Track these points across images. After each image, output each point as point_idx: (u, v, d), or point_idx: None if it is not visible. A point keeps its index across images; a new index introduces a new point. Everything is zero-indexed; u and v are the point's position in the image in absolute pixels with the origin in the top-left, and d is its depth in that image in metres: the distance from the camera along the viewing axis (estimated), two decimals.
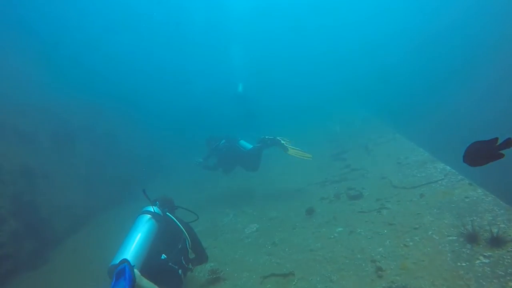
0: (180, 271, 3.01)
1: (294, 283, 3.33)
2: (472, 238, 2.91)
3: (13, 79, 7.54)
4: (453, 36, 12.17)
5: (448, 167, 4.80)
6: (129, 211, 7.52)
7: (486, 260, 2.68)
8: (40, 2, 12.04)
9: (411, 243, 3.32)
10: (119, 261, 2.49)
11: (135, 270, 2.45)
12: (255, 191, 6.91)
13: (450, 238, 3.13)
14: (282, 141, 6.05)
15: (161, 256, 2.90)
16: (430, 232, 3.36)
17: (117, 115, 10.90)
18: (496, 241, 2.77)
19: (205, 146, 7.12)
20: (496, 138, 1.78)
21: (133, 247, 2.68)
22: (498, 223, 3.09)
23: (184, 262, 3.13)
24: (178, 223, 3.19)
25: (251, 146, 6.53)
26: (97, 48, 14.59)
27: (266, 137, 6.40)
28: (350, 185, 5.50)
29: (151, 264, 2.78)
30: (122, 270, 2.32)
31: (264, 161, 6.67)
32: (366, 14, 20.32)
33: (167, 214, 3.25)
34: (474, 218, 3.29)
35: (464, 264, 2.71)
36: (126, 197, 8.60)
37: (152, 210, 3.14)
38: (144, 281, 2.47)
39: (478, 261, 2.69)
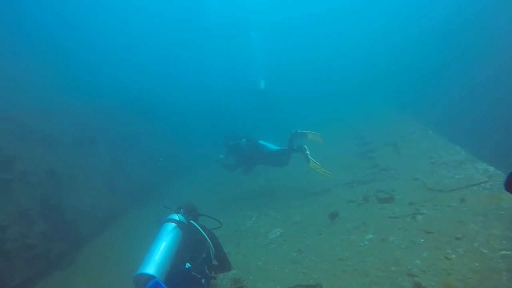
0: (203, 280, 2.93)
1: None
2: None
3: (35, 83, 7.73)
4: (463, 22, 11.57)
5: (491, 168, 4.36)
6: (150, 212, 7.64)
7: None
8: (57, 7, 12.38)
9: (453, 256, 2.98)
10: (145, 272, 2.51)
11: None
12: (278, 192, 6.70)
13: (504, 252, 2.77)
14: (307, 152, 5.93)
15: (185, 265, 2.86)
16: (476, 244, 3.01)
17: (135, 116, 11.00)
18: None
19: (222, 146, 7.02)
20: None
21: (157, 256, 2.68)
22: None
23: (207, 271, 3.07)
24: (202, 231, 3.12)
25: (277, 148, 6.45)
26: (113, 50, 14.86)
27: (299, 131, 6.27)
28: (379, 186, 5.15)
29: (175, 273, 2.75)
30: (156, 285, 2.37)
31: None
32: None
33: (191, 222, 3.20)
34: None
35: None
36: (146, 197, 8.69)
37: (177, 219, 3.09)
38: None
39: None
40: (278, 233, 4.83)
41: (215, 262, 3.37)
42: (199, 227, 3.16)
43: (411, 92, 11.10)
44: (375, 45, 17.63)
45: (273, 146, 6.54)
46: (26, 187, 5.93)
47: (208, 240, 3.11)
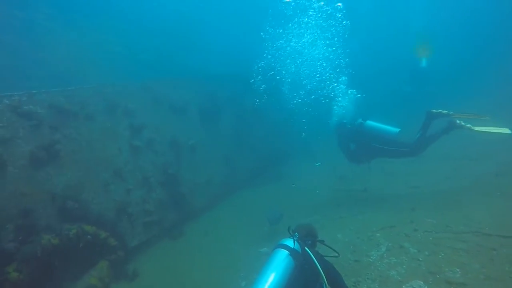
0: None
1: None
2: None
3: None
4: None
5: None
6: (263, 193, 7.01)
7: None
8: None
9: None
10: None
11: None
12: (424, 211, 4.68)
13: None
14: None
15: None
16: None
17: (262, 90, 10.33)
18: None
19: (335, 134, 6.01)
20: None
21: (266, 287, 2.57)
22: None
23: None
24: (317, 263, 2.79)
25: (412, 141, 5.29)
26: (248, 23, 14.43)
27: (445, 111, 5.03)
28: None
29: None
30: None
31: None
32: None
33: (306, 250, 2.89)
34: None
35: None
36: (262, 175, 8.19)
37: (291, 246, 2.87)
38: None
39: None
40: None
41: None
42: (314, 258, 2.79)
43: None
44: None
45: (389, 128, 5.41)
46: (150, 155, 6.22)
47: (323, 274, 2.74)
